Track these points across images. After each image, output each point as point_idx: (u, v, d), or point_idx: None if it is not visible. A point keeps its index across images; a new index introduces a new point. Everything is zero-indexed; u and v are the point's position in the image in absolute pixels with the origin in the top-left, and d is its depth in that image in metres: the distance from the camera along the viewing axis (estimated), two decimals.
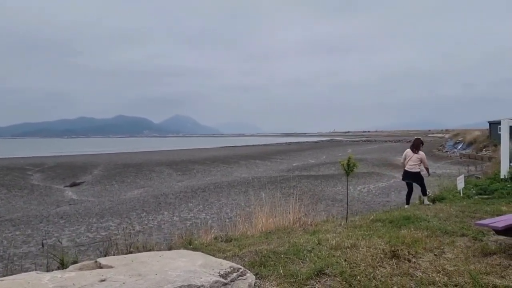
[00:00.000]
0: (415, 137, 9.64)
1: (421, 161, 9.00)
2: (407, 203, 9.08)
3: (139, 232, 11.30)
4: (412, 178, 9.05)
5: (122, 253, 4.93)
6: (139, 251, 4.99)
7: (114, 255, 4.76)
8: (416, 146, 9.06)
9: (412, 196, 9.24)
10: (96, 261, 3.49)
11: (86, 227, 12.44)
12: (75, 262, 4.21)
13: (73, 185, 24.21)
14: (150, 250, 5.05)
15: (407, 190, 9.31)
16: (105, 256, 4.68)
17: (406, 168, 9.13)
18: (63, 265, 4.37)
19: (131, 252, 5.03)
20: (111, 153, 59.13)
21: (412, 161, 8.96)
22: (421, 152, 9.05)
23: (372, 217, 6.99)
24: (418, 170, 8.99)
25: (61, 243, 9.12)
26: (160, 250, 5.12)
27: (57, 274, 3.06)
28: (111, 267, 3.25)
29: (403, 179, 9.33)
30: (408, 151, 9.17)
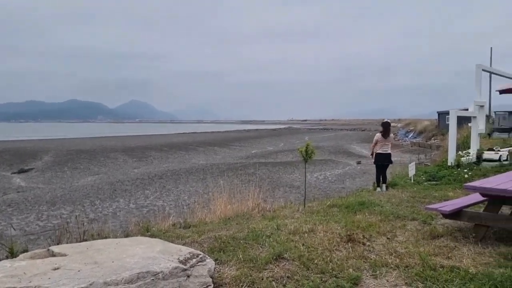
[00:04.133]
0: (385, 121, 9.75)
1: (391, 144, 9.43)
2: (379, 185, 9.27)
3: (93, 220, 10.96)
4: (388, 160, 9.38)
5: (76, 241, 4.76)
6: (94, 239, 4.83)
7: (67, 243, 4.59)
8: (388, 131, 9.39)
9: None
10: (48, 250, 3.35)
11: (36, 215, 11.92)
12: (25, 251, 4.03)
13: (22, 171, 23.04)
14: (105, 238, 4.91)
15: (376, 173, 9.45)
16: (57, 244, 4.51)
17: (380, 151, 9.30)
18: (12, 254, 4.16)
19: (85, 240, 4.86)
20: (63, 138, 56.76)
21: (385, 144, 9.32)
22: (391, 135, 9.48)
23: (329, 202, 7.16)
24: (390, 151, 9.39)
25: (14, 229, 8.68)
26: (116, 237, 5.00)
27: (6, 263, 2.92)
28: (64, 255, 3.14)
29: (379, 162, 9.38)
30: (379, 135, 9.35)
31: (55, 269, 2.74)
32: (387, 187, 9.13)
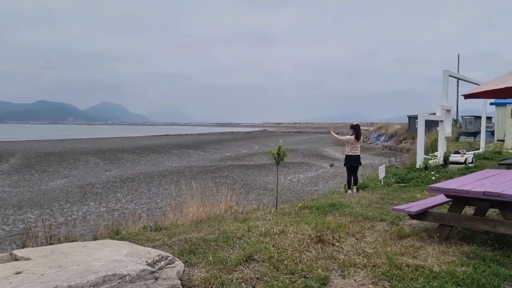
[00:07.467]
0: (356, 124, 9.84)
1: (360, 146, 9.61)
2: (350, 187, 9.38)
3: (62, 224, 10.69)
4: (358, 161, 9.53)
5: (42, 245, 4.64)
6: (61, 243, 4.72)
7: (33, 247, 4.47)
8: (360, 133, 9.56)
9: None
10: (11, 254, 3.25)
11: (1, 220, 11.52)
12: None
13: None
14: (73, 241, 4.80)
15: (347, 175, 9.56)
16: (22, 248, 4.38)
17: (351, 153, 9.42)
18: None
19: (51, 244, 4.74)
20: (31, 140, 54.96)
21: (356, 147, 9.47)
22: (361, 138, 9.68)
23: (300, 204, 7.23)
24: (359, 153, 9.57)
25: None
26: (84, 241, 4.89)
27: None
28: (28, 259, 3.05)
29: (349, 164, 9.50)
30: (352, 138, 9.45)
31: (17, 273, 2.66)
32: (358, 189, 9.29)
